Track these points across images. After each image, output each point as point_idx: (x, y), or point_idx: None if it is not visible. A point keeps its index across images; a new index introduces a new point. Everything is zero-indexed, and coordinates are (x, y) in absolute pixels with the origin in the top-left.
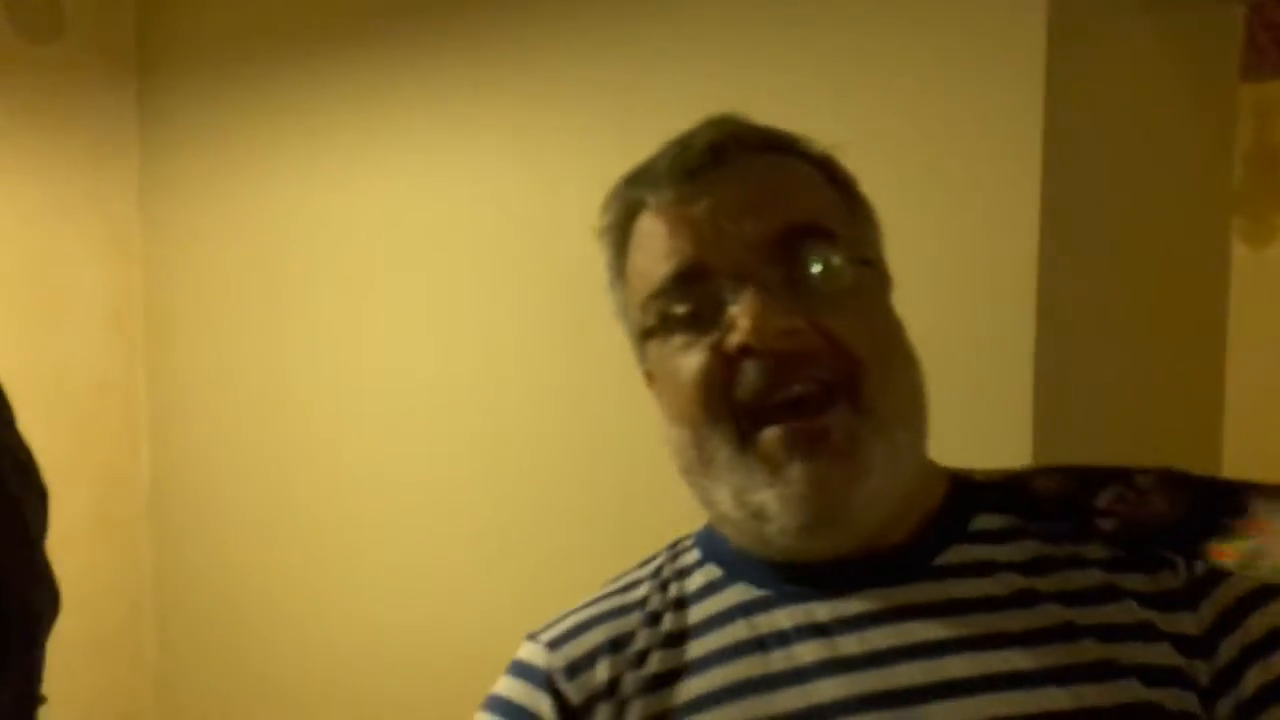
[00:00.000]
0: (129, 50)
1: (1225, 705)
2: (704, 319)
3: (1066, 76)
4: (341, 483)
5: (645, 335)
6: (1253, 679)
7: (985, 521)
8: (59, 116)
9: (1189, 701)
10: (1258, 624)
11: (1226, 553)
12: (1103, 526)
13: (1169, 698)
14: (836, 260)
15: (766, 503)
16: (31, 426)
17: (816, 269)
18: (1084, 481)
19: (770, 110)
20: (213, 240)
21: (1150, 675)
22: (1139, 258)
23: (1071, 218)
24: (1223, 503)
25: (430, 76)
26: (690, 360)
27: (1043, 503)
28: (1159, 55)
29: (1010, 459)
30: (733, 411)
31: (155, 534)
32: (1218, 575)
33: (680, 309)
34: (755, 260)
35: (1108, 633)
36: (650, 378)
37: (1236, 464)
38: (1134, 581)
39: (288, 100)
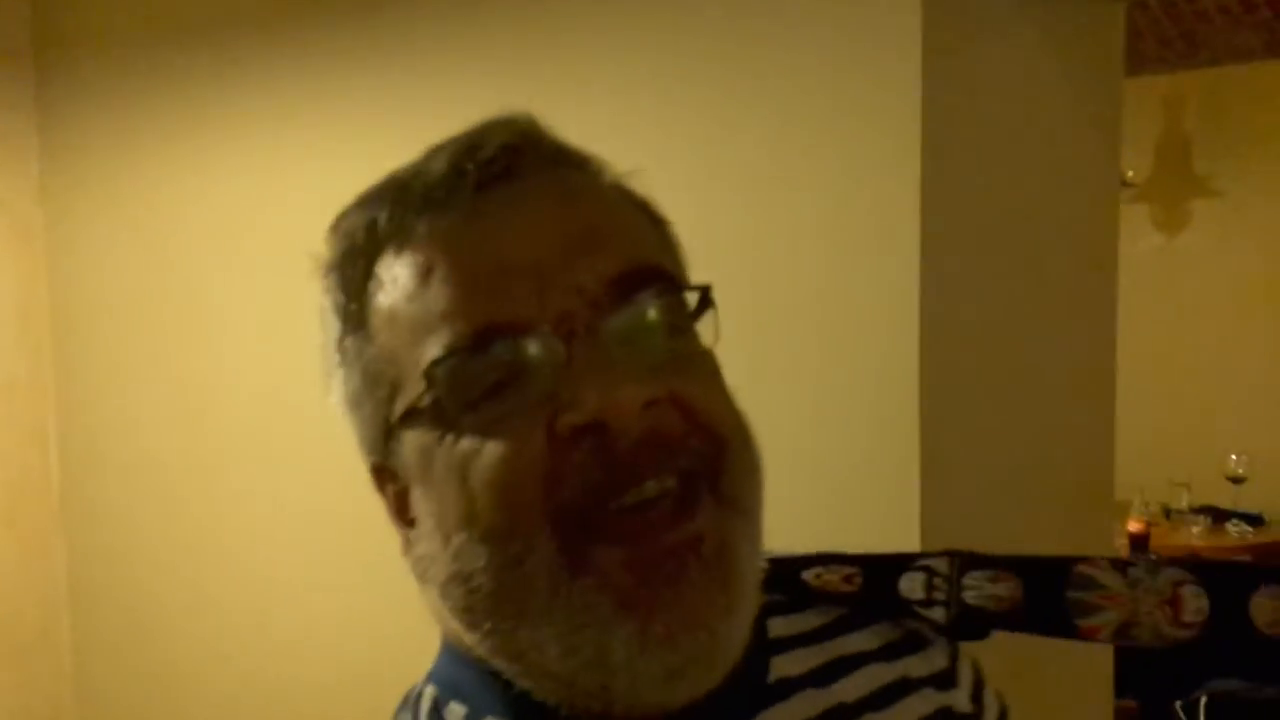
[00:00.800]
0: (25, 46)
1: None
2: (510, 392)
3: (943, 82)
4: (253, 479)
5: (409, 415)
6: None
7: (778, 627)
8: None
9: None
10: (989, 694)
11: (1099, 630)
12: (932, 618)
13: None
14: (683, 313)
15: (615, 647)
16: None
17: (661, 324)
18: (870, 571)
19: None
20: (116, 236)
21: None
22: (1025, 257)
23: (953, 222)
24: (1058, 579)
25: (331, 71)
26: (493, 447)
27: (828, 598)
28: (1041, 56)
29: (899, 483)
30: (556, 519)
31: (67, 535)
32: (956, 647)
33: (484, 378)
34: (589, 311)
35: None
36: (387, 475)
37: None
38: (916, 667)
39: (188, 95)
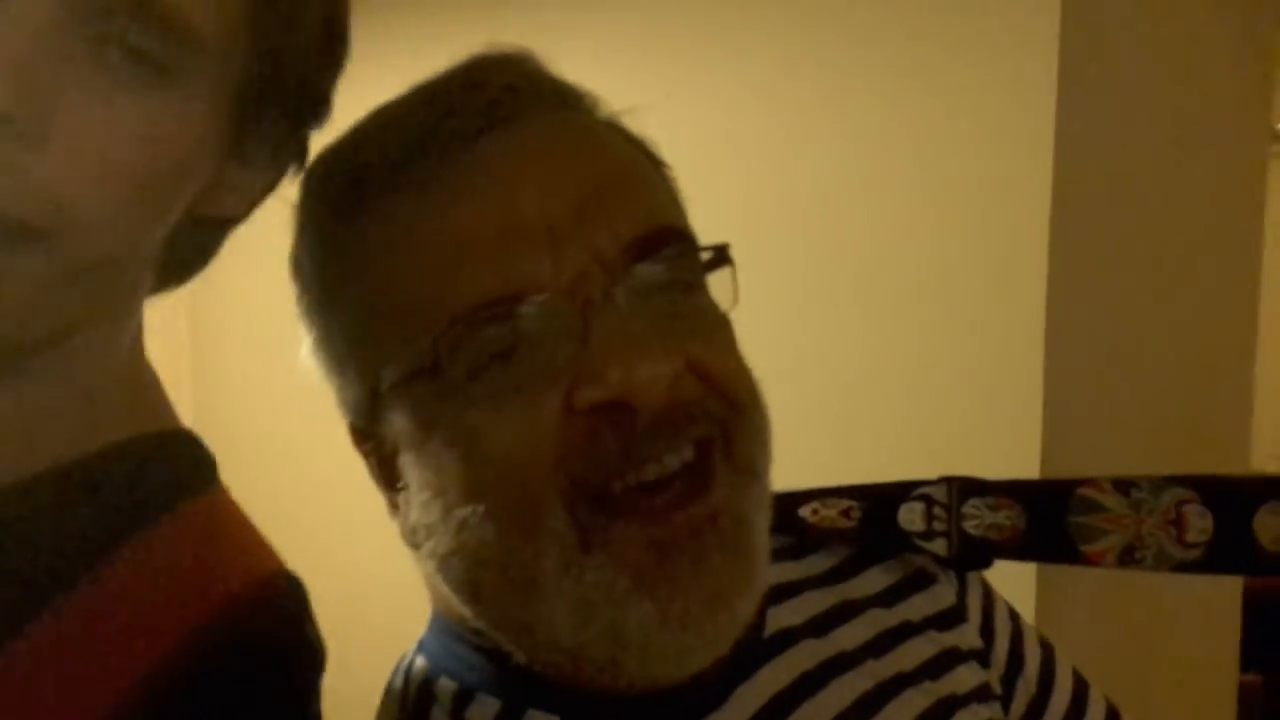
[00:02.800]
0: None
1: (1019, 705)
2: (519, 360)
3: (1082, 21)
4: None
5: (410, 378)
6: (1032, 672)
7: (779, 574)
8: None
9: (999, 712)
10: (1001, 620)
11: (1104, 555)
12: (934, 550)
13: (997, 713)
14: (698, 270)
15: (630, 625)
16: None
17: (677, 284)
18: (868, 502)
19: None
20: None
21: (982, 696)
22: (1162, 207)
23: (1087, 166)
24: (1060, 504)
25: None
26: (503, 419)
27: (827, 536)
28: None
29: (1020, 431)
30: (568, 494)
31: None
32: (964, 579)
33: (491, 346)
34: (604, 275)
35: (933, 669)
36: (370, 438)
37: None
38: (920, 608)
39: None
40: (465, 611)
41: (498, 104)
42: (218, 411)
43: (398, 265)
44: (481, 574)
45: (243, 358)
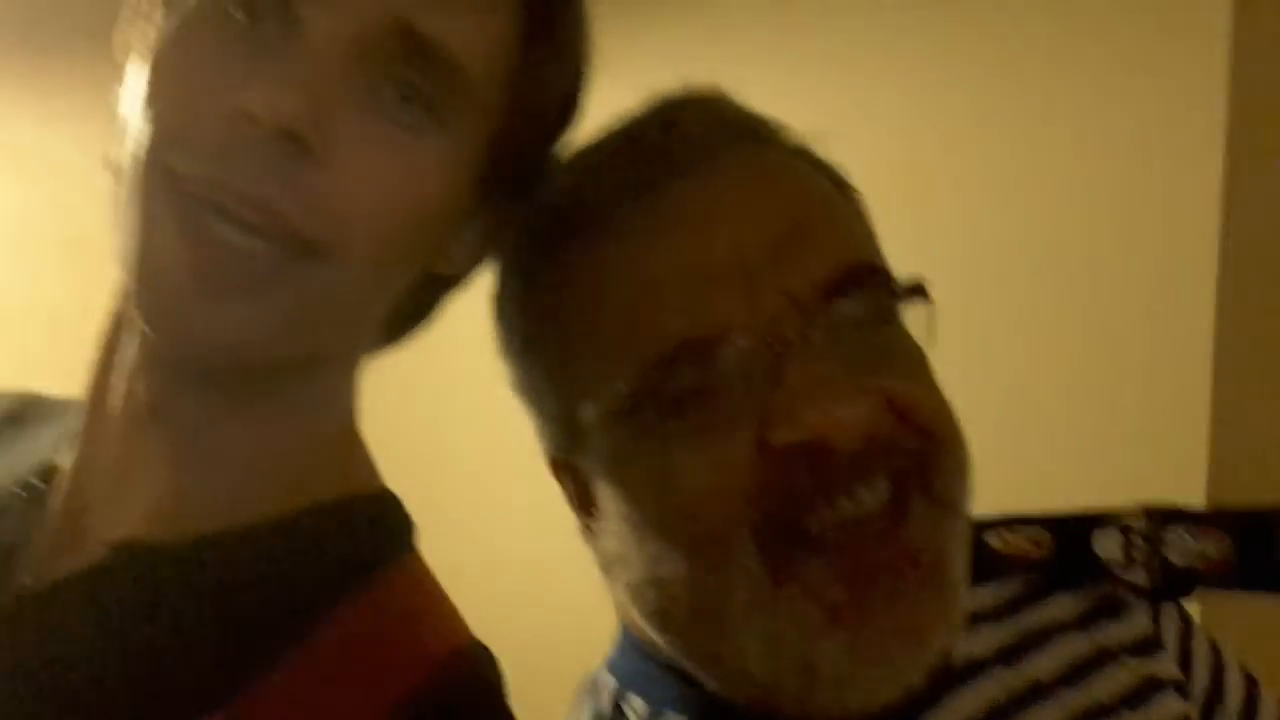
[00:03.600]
0: None
1: None
2: (715, 399)
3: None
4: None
5: (607, 416)
6: (1233, 707)
7: (965, 601)
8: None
9: None
10: (1200, 650)
11: None
12: (1133, 580)
13: None
14: (893, 304)
15: (822, 658)
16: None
17: (872, 320)
18: (1060, 532)
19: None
20: None
21: None
22: None
23: (1260, 167)
24: (1270, 533)
25: None
26: (699, 457)
27: (1016, 565)
28: None
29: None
30: (760, 529)
31: None
32: (1159, 607)
33: (688, 386)
34: (799, 316)
35: (1132, 700)
36: (568, 469)
37: None
38: (1116, 635)
39: None
40: (655, 638)
41: (692, 147)
42: None
43: (596, 307)
44: (671, 605)
45: None
